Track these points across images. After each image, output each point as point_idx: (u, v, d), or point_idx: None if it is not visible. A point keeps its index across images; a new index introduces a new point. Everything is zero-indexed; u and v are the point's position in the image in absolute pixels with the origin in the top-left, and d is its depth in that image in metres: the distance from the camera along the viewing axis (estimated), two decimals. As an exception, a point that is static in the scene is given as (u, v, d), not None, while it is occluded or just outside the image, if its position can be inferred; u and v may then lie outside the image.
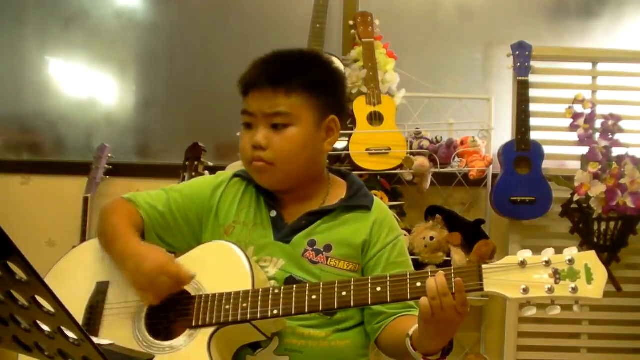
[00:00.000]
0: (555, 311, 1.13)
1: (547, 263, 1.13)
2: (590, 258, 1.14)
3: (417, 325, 1.23)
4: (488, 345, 2.67)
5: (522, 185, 2.50)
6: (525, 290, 1.12)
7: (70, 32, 2.93)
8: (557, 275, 1.12)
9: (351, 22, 2.65)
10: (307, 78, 1.39)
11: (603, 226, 2.51)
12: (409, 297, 1.20)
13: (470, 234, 2.45)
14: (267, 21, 2.89)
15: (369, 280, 1.23)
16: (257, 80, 1.39)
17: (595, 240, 2.51)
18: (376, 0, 2.82)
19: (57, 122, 2.93)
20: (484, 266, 1.16)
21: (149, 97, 2.96)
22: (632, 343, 2.65)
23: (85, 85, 2.95)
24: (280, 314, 1.25)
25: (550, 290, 1.12)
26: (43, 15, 2.94)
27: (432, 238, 2.43)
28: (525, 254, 1.15)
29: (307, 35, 2.59)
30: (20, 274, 0.73)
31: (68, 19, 2.93)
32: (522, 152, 2.52)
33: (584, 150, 2.53)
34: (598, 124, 2.57)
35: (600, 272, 1.13)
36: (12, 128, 2.98)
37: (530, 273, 1.13)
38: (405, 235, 2.40)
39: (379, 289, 1.21)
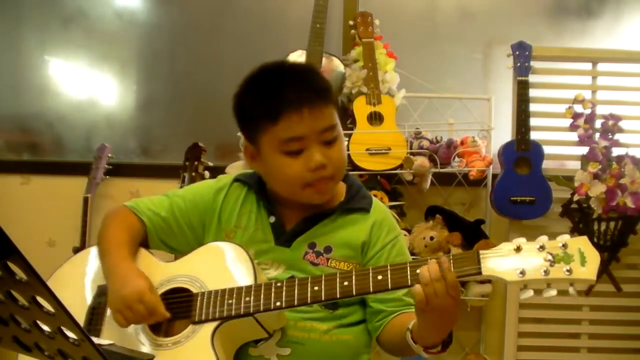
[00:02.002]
0: (552, 293, 1.15)
1: (542, 248, 1.16)
2: (583, 243, 1.16)
3: (416, 320, 1.24)
4: (488, 345, 2.67)
5: (522, 185, 2.50)
6: (522, 273, 1.15)
7: (70, 31, 2.93)
8: (551, 258, 1.15)
9: (351, 22, 2.65)
10: (328, 85, 1.39)
11: (603, 226, 2.51)
12: (409, 283, 1.21)
13: (470, 234, 2.45)
14: (267, 21, 2.89)
15: (370, 270, 1.24)
16: (298, 100, 1.29)
17: (595, 240, 2.51)
18: (376, 0, 2.82)
19: (57, 122, 2.93)
20: (481, 251, 1.19)
21: (150, 97, 2.96)
22: (632, 343, 2.65)
23: (86, 85, 2.95)
24: (284, 305, 1.25)
25: (546, 272, 1.14)
26: (43, 15, 2.94)
27: (432, 238, 2.43)
28: (520, 241, 1.18)
29: (307, 35, 2.58)
30: (20, 274, 0.73)
31: (68, 18, 2.93)
32: (522, 152, 2.52)
33: (584, 150, 2.53)
34: (598, 124, 2.57)
35: (593, 255, 1.15)
36: (12, 128, 2.98)
37: (526, 257, 1.16)
38: (405, 235, 2.40)
39: (380, 277, 1.22)
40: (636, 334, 2.64)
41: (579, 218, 2.54)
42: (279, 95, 1.30)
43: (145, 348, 1.30)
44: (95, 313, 1.37)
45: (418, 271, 1.20)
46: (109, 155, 2.71)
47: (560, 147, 2.68)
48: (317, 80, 1.36)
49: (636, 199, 2.40)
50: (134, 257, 1.40)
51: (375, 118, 2.46)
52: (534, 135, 2.54)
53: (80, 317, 1.36)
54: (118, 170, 2.74)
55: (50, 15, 2.93)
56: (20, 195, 2.80)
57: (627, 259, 2.61)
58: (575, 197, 2.46)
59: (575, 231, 2.54)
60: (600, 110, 2.59)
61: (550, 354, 2.66)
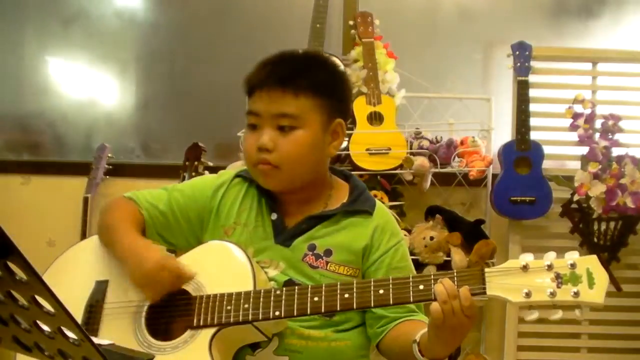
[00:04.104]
0: (557, 315, 1.13)
1: (549, 267, 1.13)
2: (592, 262, 1.14)
3: (423, 331, 1.23)
4: (488, 345, 2.67)
5: (522, 185, 2.50)
6: (528, 295, 1.12)
7: (70, 32, 2.93)
8: (559, 279, 1.12)
9: (351, 22, 2.66)
10: (317, 80, 1.37)
11: (603, 226, 2.51)
12: (411, 299, 1.20)
13: (470, 234, 2.45)
14: (267, 21, 2.89)
15: (372, 283, 1.23)
16: (264, 80, 1.36)
17: (595, 240, 2.51)
18: (376, 0, 2.82)
19: (57, 122, 2.93)
20: (486, 270, 1.16)
21: (149, 97, 2.96)
22: (632, 343, 2.65)
23: (86, 85, 2.95)
24: (282, 315, 1.24)
25: (553, 294, 1.12)
26: (43, 15, 2.94)
27: (432, 238, 2.43)
28: (527, 258, 1.15)
29: (307, 35, 2.58)
30: (20, 274, 0.73)
31: (68, 18, 2.93)
32: (522, 152, 2.52)
33: (584, 150, 2.53)
34: (598, 124, 2.57)
35: (601, 277, 1.13)
36: (12, 128, 2.98)
37: (533, 277, 1.13)
38: (405, 235, 2.40)
39: (381, 291, 1.21)
40: (636, 334, 2.64)
41: (579, 218, 2.53)
42: (256, 72, 1.39)
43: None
44: (93, 311, 1.36)
45: (421, 287, 1.19)
46: (109, 155, 2.71)
47: (560, 147, 2.67)
48: (290, 68, 1.38)
49: (636, 199, 2.39)
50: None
51: (375, 118, 2.46)
52: (534, 135, 2.54)
53: (78, 315, 1.35)
54: (118, 170, 2.74)
55: (51, 15, 2.93)
56: (20, 195, 2.80)
57: (627, 259, 2.60)
58: (575, 197, 2.46)
59: (575, 231, 2.54)
60: (600, 110, 2.59)
61: (550, 354, 2.65)
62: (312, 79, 1.37)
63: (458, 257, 2.39)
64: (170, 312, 1.31)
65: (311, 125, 1.36)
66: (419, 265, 2.40)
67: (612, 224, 2.51)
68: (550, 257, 1.15)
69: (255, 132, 1.37)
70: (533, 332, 2.65)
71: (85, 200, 2.61)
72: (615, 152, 2.50)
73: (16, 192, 2.80)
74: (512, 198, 2.49)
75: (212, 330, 1.27)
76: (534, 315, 1.14)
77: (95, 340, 1.05)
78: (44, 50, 2.95)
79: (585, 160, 2.50)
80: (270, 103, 1.35)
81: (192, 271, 1.30)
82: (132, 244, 1.35)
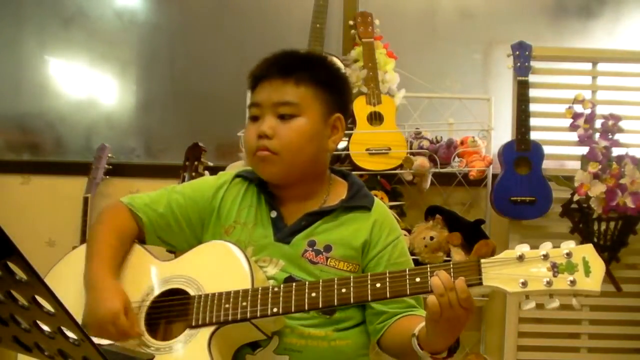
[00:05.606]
0: (554, 304, 1.13)
1: (545, 257, 1.14)
2: (588, 251, 1.14)
3: (422, 325, 1.23)
4: (488, 345, 2.67)
5: (522, 185, 2.50)
6: (524, 284, 1.13)
7: (70, 32, 2.93)
8: (555, 268, 1.13)
9: (351, 22, 2.66)
10: (317, 73, 1.41)
11: (603, 226, 2.51)
12: (408, 292, 1.20)
13: (470, 234, 2.45)
14: (267, 21, 2.89)
15: (368, 277, 1.23)
16: (266, 72, 1.41)
17: (595, 240, 2.51)
18: (376, 0, 2.82)
19: (57, 122, 2.93)
20: (482, 260, 1.17)
21: (150, 97, 2.96)
22: (632, 343, 2.65)
23: (86, 85, 2.95)
24: (280, 312, 1.25)
25: (549, 283, 1.12)
26: (43, 15, 2.94)
27: (432, 238, 2.43)
28: (523, 248, 1.16)
29: (307, 35, 2.58)
30: (20, 274, 0.73)
31: (68, 18, 2.93)
32: (522, 152, 2.52)
33: (584, 150, 2.53)
34: (598, 124, 2.57)
35: (597, 265, 1.13)
36: (12, 128, 2.98)
37: (529, 267, 1.14)
38: (405, 235, 2.40)
39: (378, 285, 1.21)
40: (636, 334, 2.64)
41: (579, 218, 2.53)
42: (259, 66, 1.43)
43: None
44: None
45: (418, 280, 1.19)
46: (109, 155, 2.71)
47: (560, 147, 2.68)
48: (292, 60, 1.42)
49: (636, 199, 2.39)
50: (119, 266, 1.38)
51: (375, 118, 2.46)
52: (534, 135, 2.54)
53: (77, 317, 1.34)
54: (118, 170, 2.74)
55: (51, 15, 2.93)
56: (20, 195, 2.80)
57: (627, 259, 2.61)
58: (575, 197, 2.46)
59: (575, 231, 2.54)
60: (600, 110, 2.59)
61: (550, 354, 2.66)
62: (312, 72, 1.40)
63: (458, 257, 2.39)
64: (169, 311, 1.31)
65: (311, 115, 1.39)
66: (419, 265, 2.40)
67: (612, 224, 2.51)
68: (546, 246, 1.15)
69: (256, 123, 1.40)
70: (533, 332, 2.65)
71: (85, 200, 2.61)
72: (615, 152, 2.50)
73: (16, 192, 2.80)
74: (512, 198, 2.50)
75: (210, 329, 1.27)
76: (531, 304, 1.14)
77: (95, 340, 1.05)
78: (44, 50, 2.95)
79: (585, 160, 2.50)
80: (271, 92, 1.39)
81: (140, 333, 1.29)
82: (98, 280, 1.32)
